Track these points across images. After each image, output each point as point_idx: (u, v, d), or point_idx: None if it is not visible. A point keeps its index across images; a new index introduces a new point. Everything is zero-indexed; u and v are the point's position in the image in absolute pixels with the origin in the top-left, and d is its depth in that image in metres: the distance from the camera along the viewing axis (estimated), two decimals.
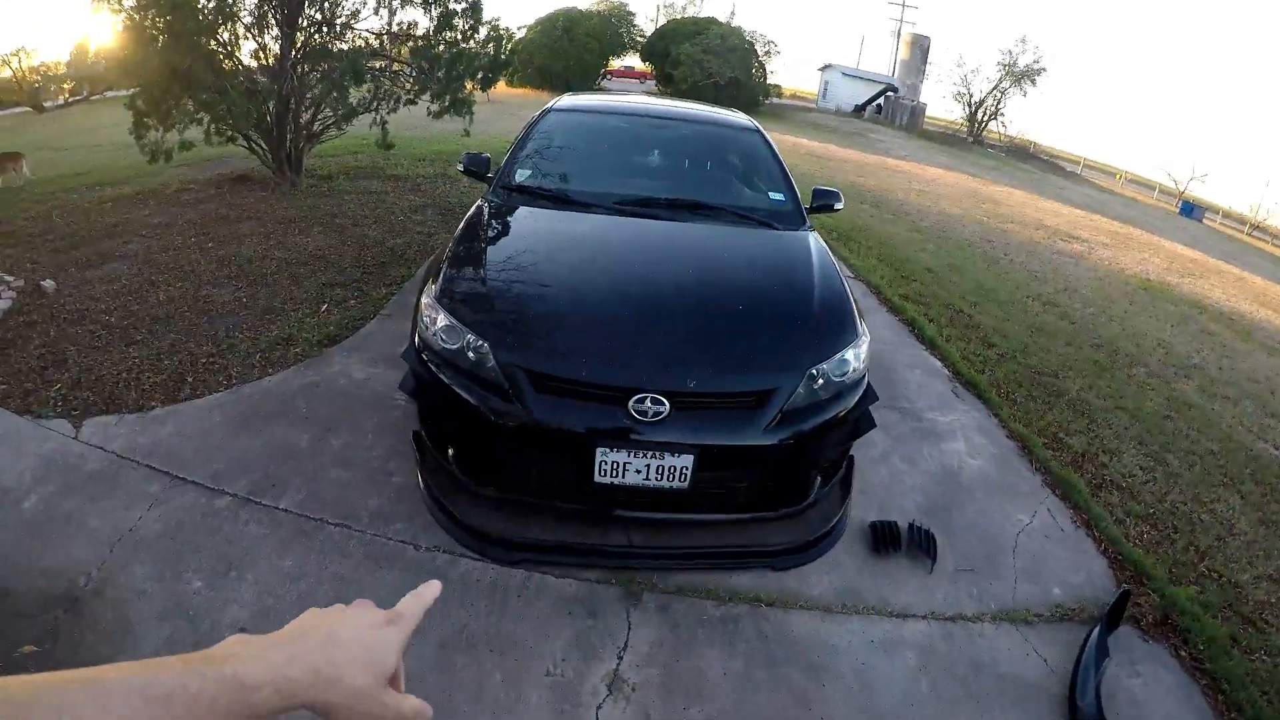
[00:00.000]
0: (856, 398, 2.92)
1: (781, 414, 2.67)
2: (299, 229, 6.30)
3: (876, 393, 3.14)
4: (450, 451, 2.91)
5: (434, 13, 7.42)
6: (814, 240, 3.69)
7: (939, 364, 5.16)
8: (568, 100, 4.93)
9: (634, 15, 38.10)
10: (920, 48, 43.82)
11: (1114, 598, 2.94)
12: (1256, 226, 36.60)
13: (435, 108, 7.59)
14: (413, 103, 7.97)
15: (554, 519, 2.98)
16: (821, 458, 2.95)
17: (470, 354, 2.68)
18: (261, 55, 7.37)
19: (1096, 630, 2.77)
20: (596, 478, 2.60)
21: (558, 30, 31.75)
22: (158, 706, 0.46)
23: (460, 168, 4.25)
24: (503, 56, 7.77)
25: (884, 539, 3.14)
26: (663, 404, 2.55)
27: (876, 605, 2.86)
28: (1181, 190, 39.25)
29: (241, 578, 2.58)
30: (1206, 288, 10.44)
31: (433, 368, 2.77)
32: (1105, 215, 16.48)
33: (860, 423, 3.05)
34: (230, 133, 7.10)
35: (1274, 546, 3.68)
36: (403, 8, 7.48)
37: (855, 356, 2.91)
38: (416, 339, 2.91)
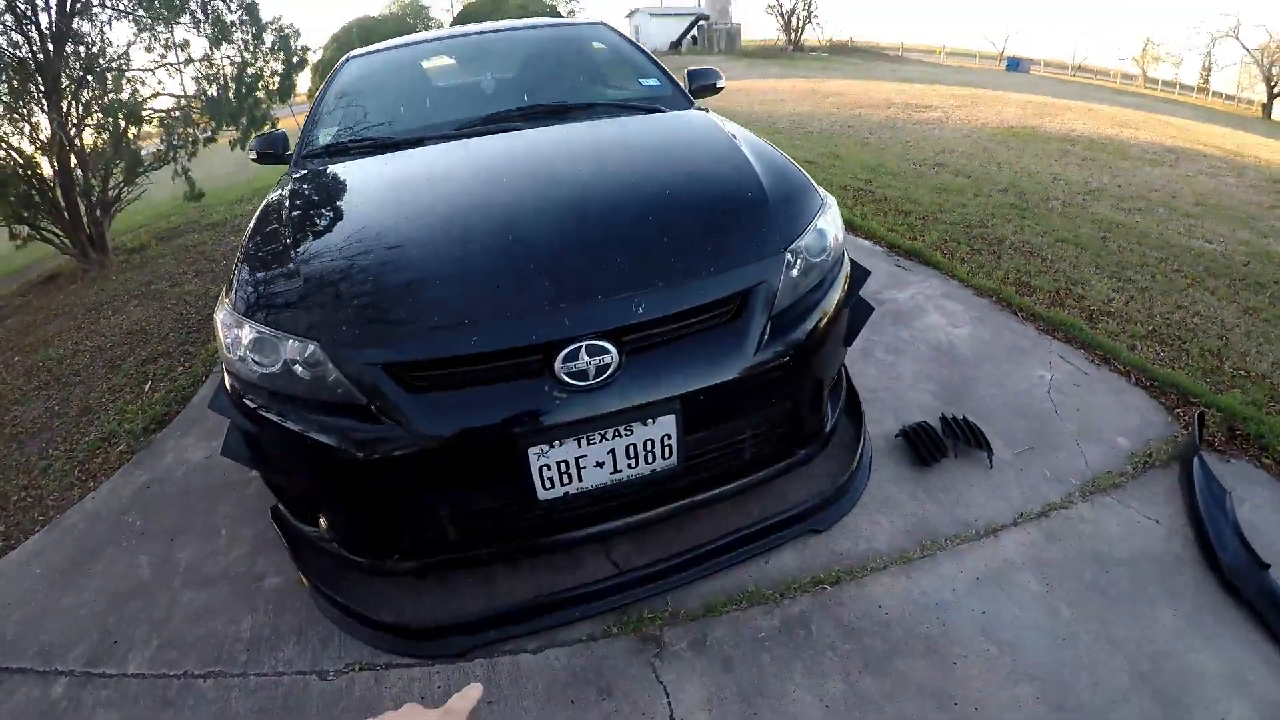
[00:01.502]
0: (846, 278, 2.09)
1: (770, 320, 1.82)
2: (112, 309, 5.05)
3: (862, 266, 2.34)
4: (322, 522, 1.95)
5: (206, 29, 6.14)
6: (716, 116, 2.78)
7: (868, 242, 4.51)
8: (366, 48, 3.72)
9: (428, 9, 36.04)
10: None
11: (1191, 427, 2.43)
12: (1079, 68, 38.37)
13: (234, 135, 6.33)
14: (212, 140, 6.69)
15: (501, 573, 2.08)
16: (831, 367, 2.10)
17: (300, 369, 1.70)
18: (34, 134, 5.93)
19: (1198, 468, 2.24)
20: (541, 493, 1.69)
21: (355, 41, 29.73)
22: None
23: (253, 156, 3.11)
24: (295, 59, 6.54)
25: (925, 445, 2.40)
26: (606, 351, 1.63)
27: (958, 531, 2.12)
28: (1002, 51, 40.63)
29: None
30: (1067, 123, 10.21)
31: (257, 410, 1.78)
32: (944, 84, 16.39)
33: (860, 310, 2.26)
34: (10, 225, 5.73)
35: (1269, 331, 3.39)
36: (170, 31, 6.13)
37: (831, 226, 2.07)
38: (226, 377, 1.91)
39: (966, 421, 2.50)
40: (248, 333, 1.76)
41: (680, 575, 2.00)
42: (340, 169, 2.56)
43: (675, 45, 41.56)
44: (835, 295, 1.98)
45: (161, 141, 6.61)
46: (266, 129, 6.68)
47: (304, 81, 6.55)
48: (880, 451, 2.48)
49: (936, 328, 3.34)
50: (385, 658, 1.89)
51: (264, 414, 1.75)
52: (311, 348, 1.67)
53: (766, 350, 1.78)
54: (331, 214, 2.24)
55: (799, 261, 1.90)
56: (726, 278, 1.79)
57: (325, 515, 1.92)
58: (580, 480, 1.69)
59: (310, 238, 2.07)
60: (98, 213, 6.17)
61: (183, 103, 6.59)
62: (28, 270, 7.25)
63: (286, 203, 2.30)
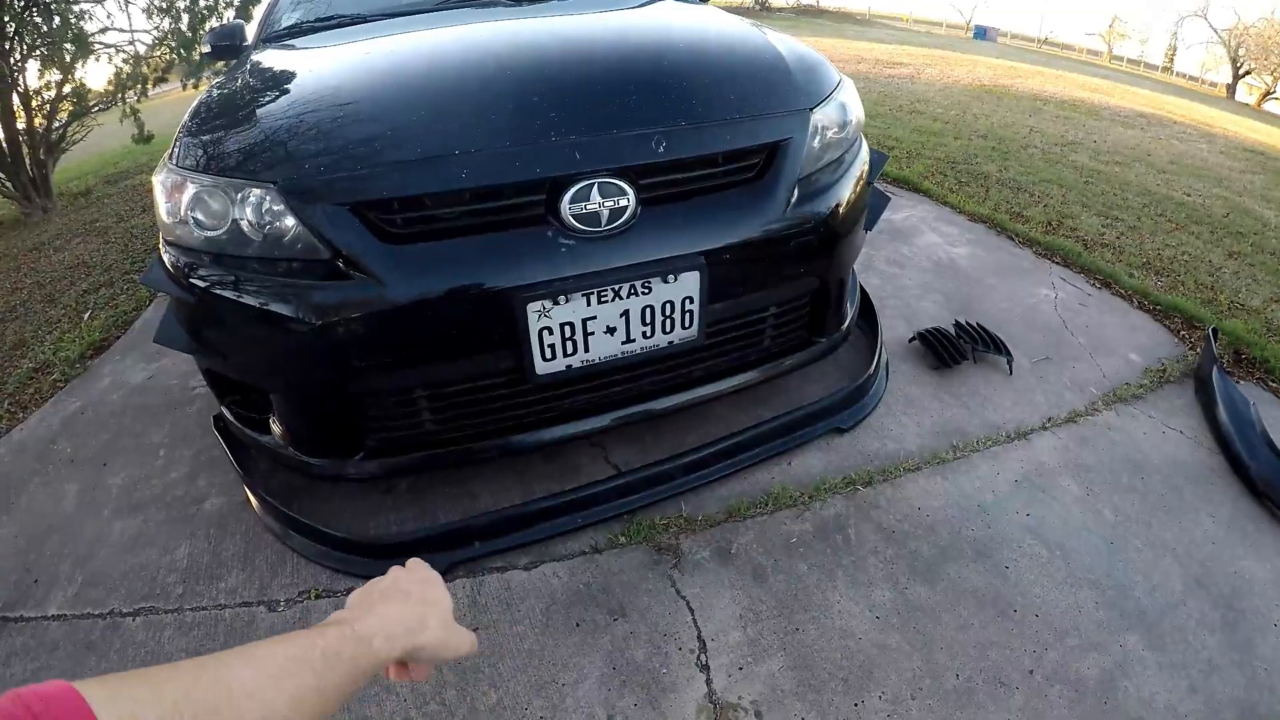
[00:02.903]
0: (864, 161, 1.82)
1: (796, 183, 1.54)
2: (54, 249, 4.55)
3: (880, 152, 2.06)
4: (274, 424, 1.61)
5: None
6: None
7: None
8: None
9: None
10: None
11: (1206, 344, 2.33)
12: (1045, 41, 38.44)
13: (185, 68, 5.79)
14: (163, 80, 6.14)
15: (480, 486, 1.76)
16: (853, 248, 1.82)
17: (250, 224, 1.34)
18: None
19: (1218, 380, 2.12)
20: (540, 365, 1.38)
21: None
22: (298, 663, 0.49)
23: (206, 49, 2.64)
24: None
25: (943, 348, 2.17)
26: (623, 192, 1.34)
27: (989, 434, 1.90)
28: (969, 20, 40.45)
29: None
30: (1037, 85, 9.98)
31: (198, 282, 1.42)
32: (912, 46, 16.09)
33: (878, 198, 1.99)
34: None
35: (1255, 274, 3.32)
36: None
37: (850, 101, 1.80)
38: (162, 245, 1.54)
39: (982, 328, 2.28)
40: (189, 189, 1.40)
41: (694, 475, 1.72)
42: (307, 41, 2.16)
43: None
44: (856, 172, 1.74)
45: (109, 83, 6.03)
46: (219, 68, 6.15)
47: (260, 12, 5.99)
48: (895, 356, 2.26)
49: (935, 245, 3.18)
50: (346, 582, 1.57)
51: (206, 284, 1.41)
52: (267, 194, 1.33)
53: (793, 214, 1.52)
54: (295, 73, 1.82)
55: (820, 132, 1.63)
56: (753, 126, 1.52)
57: (277, 410, 1.58)
58: (586, 350, 1.40)
59: (269, 94, 1.69)
60: (41, 154, 5.60)
61: (132, 39, 6.01)
62: None
63: (242, 72, 1.92)
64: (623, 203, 1.34)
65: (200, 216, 1.38)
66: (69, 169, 6.66)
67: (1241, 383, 2.25)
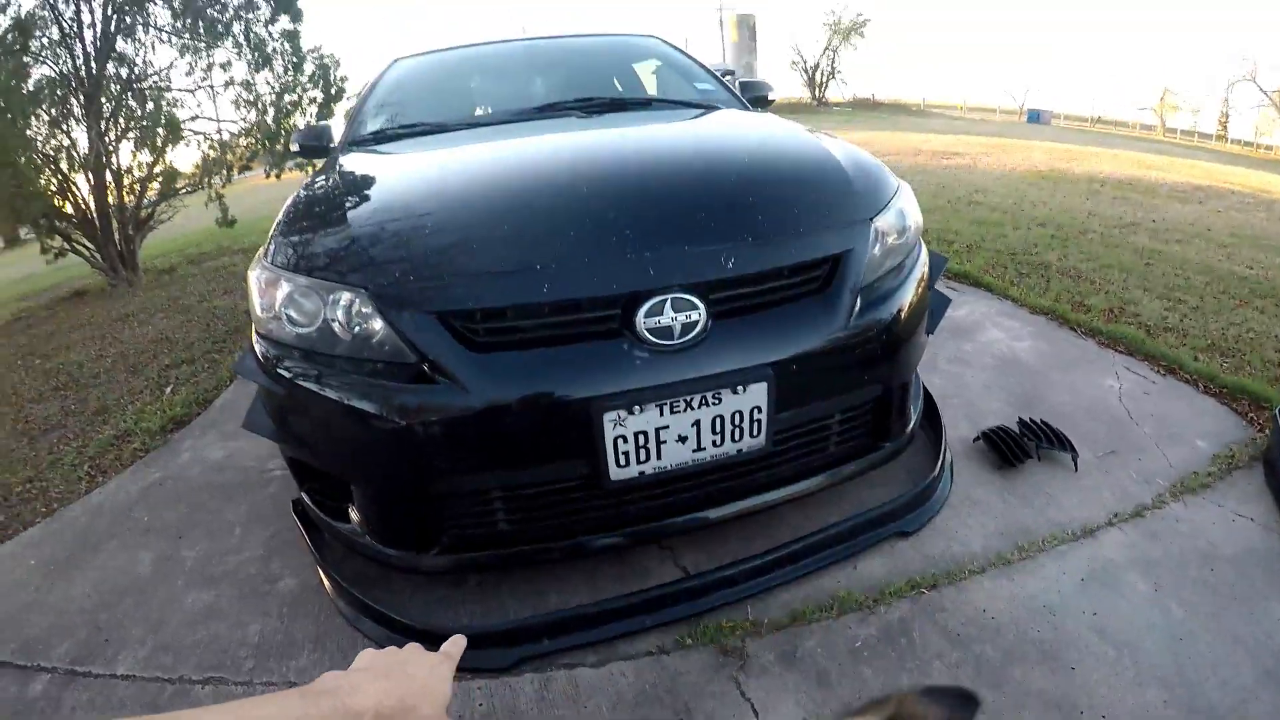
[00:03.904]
0: (924, 265, 1.90)
1: (859, 291, 1.62)
2: (138, 321, 4.90)
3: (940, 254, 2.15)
4: (353, 513, 1.71)
5: (248, 53, 6.13)
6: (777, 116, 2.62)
7: None
8: (414, 52, 3.54)
9: None
10: (747, 26, 42.85)
11: (1274, 424, 2.25)
12: (1098, 120, 38.68)
13: (269, 158, 6.28)
14: (248, 168, 6.65)
15: (550, 584, 1.83)
16: (915, 353, 1.88)
17: (340, 325, 1.47)
18: (73, 148, 5.88)
19: None
20: (614, 472, 1.45)
21: None
22: None
23: (295, 148, 2.92)
24: (334, 88, 6.51)
25: (1007, 448, 2.17)
26: (694, 307, 1.43)
27: (1054, 532, 1.89)
28: (1022, 105, 41.02)
29: None
30: (1093, 166, 10.07)
31: (288, 375, 1.56)
32: (968, 135, 16.40)
33: (938, 301, 2.08)
34: (44, 237, 5.66)
35: None
36: (210, 56, 6.12)
37: (909, 208, 1.89)
38: (254, 338, 1.68)
39: (1046, 424, 2.28)
40: (284, 287, 1.55)
41: (761, 579, 1.75)
42: (388, 149, 2.38)
43: None
44: (917, 276, 1.82)
45: (196, 168, 6.55)
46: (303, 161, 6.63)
47: (341, 109, 6.50)
48: (959, 455, 2.27)
49: (997, 341, 3.21)
50: None
51: (296, 378, 1.54)
52: (357, 298, 1.46)
53: (857, 323, 1.60)
54: (383, 178, 2.04)
55: (881, 239, 1.73)
56: (816, 240, 1.62)
57: (357, 500, 1.68)
58: (659, 457, 1.46)
59: (359, 198, 1.88)
60: (129, 230, 6.10)
61: (219, 129, 6.57)
62: (56, 289, 7.18)
63: (330, 177, 2.12)
64: (694, 317, 1.43)
65: (293, 313, 1.53)
66: (154, 246, 7.19)
67: None
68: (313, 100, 6.40)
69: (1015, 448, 2.16)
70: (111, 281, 6.00)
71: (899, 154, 11.15)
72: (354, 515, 1.71)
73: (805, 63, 39.74)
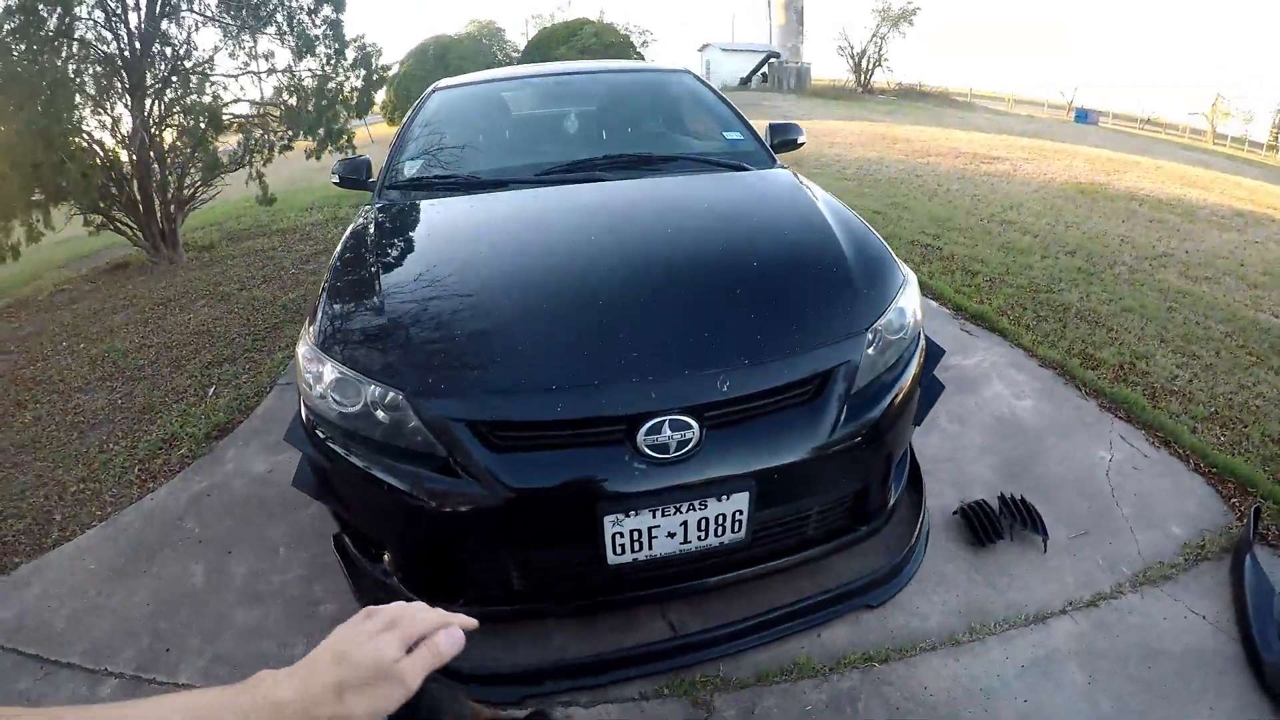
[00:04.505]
0: (920, 357, 2.09)
1: (848, 400, 1.84)
2: (179, 307, 5.25)
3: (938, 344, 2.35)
4: (387, 559, 2.00)
5: (291, 42, 6.39)
6: (800, 177, 2.82)
7: (935, 304, 4.51)
8: (453, 79, 3.87)
9: (504, 31, 36.60)
10: (795, 9, 42.56)
11: (1246, 524, 2.40)
12: (1148, 122, 37.76)
13: (310, 144, 6.57)
14: (289, 148, 6.94)
15: (557, 628, 2.13)
16: (900, 446, 2.11)
17: (381, 414, 1.75)
18: (115, 128, 6.24)
19: (1249, 566, 2.22)
20: (611, 558, 1.72)
21: (430, 59, 30.24)
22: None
23: (335, 180, 3.21)
24: (374, 77, 6.77)
25: (982, 525, 2.39)
26: (689, 427, 1.66)
27: (1009, 616, 2.10)
28: (1070, 102, 40.15)
29: None
30: (1135, 181, 10.06)
31: (333, 447, 1.84)
32: (1011, 134, 16.29)
33: (932, 389, 2.27)
34: (86, 214, 6.01)
35: None
36: (254, 41, 6.40)
37: (911, 303, 2.08)
38: (302, 410, 1.97)
39: (1024, 503, 2.48)
40: (330, 372, 1.82)
41: (735, 643, 2.02)
42: (424, 207, 2.65)
43: (745, 81, 41.71)
44: (910, 373, 2.00)
45: (238, 145, 6.86)
46: (343, 144, 6.92)
47: (380, 95, 6.76)
48: (938, 527, 2.48)
49: (1000, 398, 3.35)
50: None
51: (340, 452, 1.81)
52: (395, 395, 1.72)
53: (842, 430, 1.80)
54: (416, 254, 2.32)
55: (879, 340, 1.92)
56: (810, 358, 1.82)
57: (391, 556, 1.98)
58: (650, 549, 1.73)
59: (394, 276, 2.15)
60: (171, 209, 6.43)
61: (262, 110, 6.86)
62: (97, 256, 7.57)
63: (370, 238, 2.39)
64: (688, 435, 1.67)
65: (337, 396, 1.80)
66: (193, 218, 7.51)
67: None
68: (353, 89, 6.66)
69: (990, 526, 2.37)
70: (153, 259, 6.35)
71: (939, 155, 11.16)
72: (387, 560, 2.00)
73: (852, 48, 39.17)
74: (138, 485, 2.97)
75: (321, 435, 1.86)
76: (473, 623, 0.69)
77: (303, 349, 1.95)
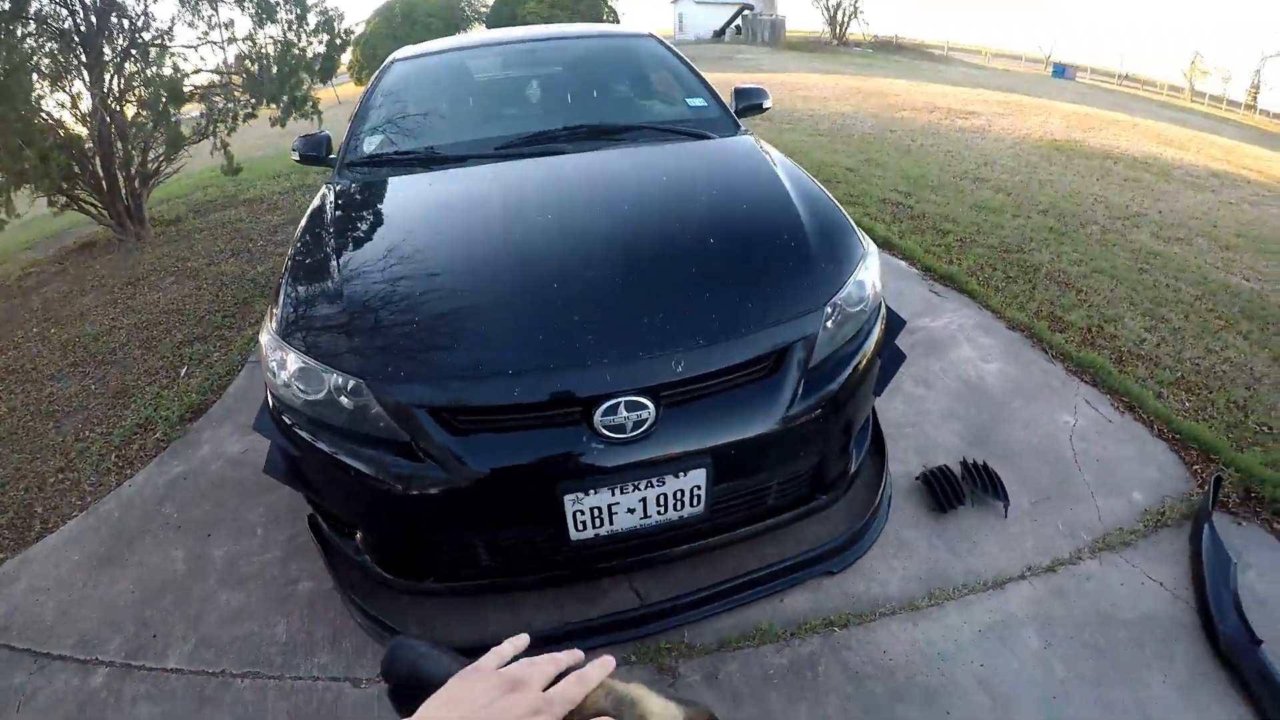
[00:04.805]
0: (880, 328, 2.13)
1: (805, 374, 1.89)
2: (148, 285, 5.21)
3: (899, 314, 2.40)
4: (359, 538, 2.05)
5: (251, 9, 6.24)
6: (763, 144, 2.83)
7: (904, 263, 4.56)
8: (412, 49, 3.80)
9: None
10: None
11: (1206, 493, 2.45)
12: (1126, 77, 37.63)
13: (274, 111, 6.46)
14: (253, 116, 6.82)
15: (528, 598, 2.20)
16: (860, 417, 2.17)
17: (344, 401, 1.78)
18: (74, 105, 6.10)
19: (1208, 535, 2.28)
20: (573, 534, 1.79)
21: (397, 18, 29.63)
22: None
23: (295, 156, 3.17)
24: (338, 41, 6.63)
25: (944, 491, 2.47)
26: (645, 407, 1.71)
27: (968, 581, 2.20)
28: (1048, 56, 39.93)
29: None
30: (1110, 138, 10.11)
31: (300, 434, 1.87)
32: (988, 89, 16.24)
33: (893, 360, 2.33)
34: (49, 195, 5.90)
35: None
36: (214, 9, 6.24)
37: (870, 276, 2.10)
38: (269, 397, 2.00)
39: (986, 469, 2.56)
40: (293, 361, 1.85)
41: (698, 610, 2.11)
42: (383, 186, 2.65)
43: (719, 34, 41.13)
44: (870, 345, 2.04)
45: (201, 115, 6.74)
46: (308, 110, 6.82)
47: (345, 57, 6.62)
48: (901, 492, 2.55)
49: (967, 361, 3.39)
50: None
51: (307, 439, 1.85)
52: (357, 382, 1.76)
53: (799, 405, 1.84)
54: (374, 237, 2.32)
55: (837, 314, 1.95)
56: (766, 335, 1.85)
57: (362, 537, 2.04)
58: (611, 524, 1.79)
59: (353, 260, 2.16)
60: (136, 184, 6.33)
61: (225, 78, 6.72)
62: (64, 235, 7.45)
63: (329, 219, 2.39)
64: (644, 415, 1.71)
65: (301, 385, 1.83)
66: (159, 191, 7.41)
67: (1244, 524, 2.40)
68: (316, 54, 6.52)
69: (951, 492, 2.45)
70: (119, 236, 6.27)
71: (914, 110, 11.15)
72: (360, 540, 2.06)
73: (827, 0, 38.79)
74: (115, 472, 3.00)
75: (288, 422, 1.89)
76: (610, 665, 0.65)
77: (265, 338, 1.97)
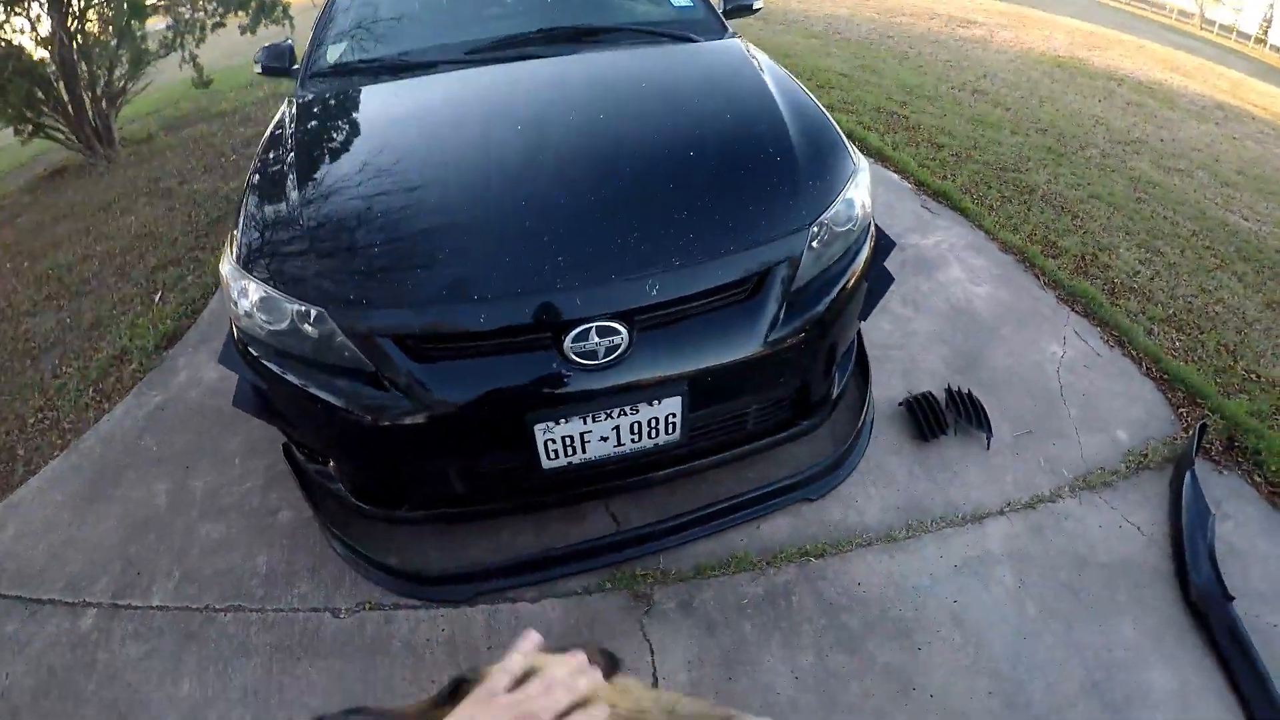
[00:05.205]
0: (869, 249, 2.05)
1: (788, 297, 1.82)
2: (120, 209, 5.07)
3: (887, 234, 2.31)
4: (333, 468, 2.04)
5: None
6: (752, 49, 2.66)
7: (897, 177, 4.41)
8: None
9: None
10: None
11: (1190, 439, 2.41)
12: None
13: (244, 19, 6.18)
14: (221, 25, 6.54)
15: (504, 524, 2.21)
16: (844, 340, 2.12)
17: (307, 330, 1.72)
18: (34, 28, 5.79)
19: (1189, 484, 2.25)
20: (545, 463, 1.76)
21: None
22: None
23: (258, 69, 3.00)
24: None
25: (927, 419, 2.47)
26: (617, 332, 1.65)
27: (946, 514, 2.22)
28: None
29: None
30: (1116, 59, 9.72)
31: (267, 365, 1.82)
32: None
33: (880, 282, 2.25)
34: (15, 125, 5.71)
35: None
36: None
37: (859, 195, 1.98)
38: (233, 329, 1.94)
39: (971, 397, 2.54)
40: (255, 290, 1.79)
41: (675, 537, 2.12)
42: (346, 99, 2.51)
43: None
44: (857, 267, 1.96)
45: (167, 28, 6.45)
46: (278, 15, 6.54)
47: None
48: (884, 418, 2.53)
49: (957, 283, 3.32)
50: (394, 599, 2.05)
51: (274, 370, 1.81)
52: (317, 310, 1.71)
53: (781, 329, 1.79)
54: (335, 155, 2.21)
55: (824, 233, 1.87)
56: (746, 256, 1.77)
57: (335, 466, 2.03)
58: (584, 453, 1.77)
59: (313, 181, 2.05)
60: (103, 105, 6.11)
61: None
62: (34, 163, 7.23)
63: (289, 138, 2.28)
64: (617, 340, 1.66)
65: (263, 316, 1.78)
66: (129, 109, 7.16)
67: (1225, 473, 2.38)
68: None
69: (934, 420, 2.44)
70: (89, 160, 6.08)
71: (914, 15, 10.71)
72: (333, 468, 2.05)
73: None
74: (94, 407, 2.97)
75: (254, 354, 1.85)
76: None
77: (226, 268, 1.90)
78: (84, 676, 1.97)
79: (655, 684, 1.80)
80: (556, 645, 0.72)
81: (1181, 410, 2.64)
